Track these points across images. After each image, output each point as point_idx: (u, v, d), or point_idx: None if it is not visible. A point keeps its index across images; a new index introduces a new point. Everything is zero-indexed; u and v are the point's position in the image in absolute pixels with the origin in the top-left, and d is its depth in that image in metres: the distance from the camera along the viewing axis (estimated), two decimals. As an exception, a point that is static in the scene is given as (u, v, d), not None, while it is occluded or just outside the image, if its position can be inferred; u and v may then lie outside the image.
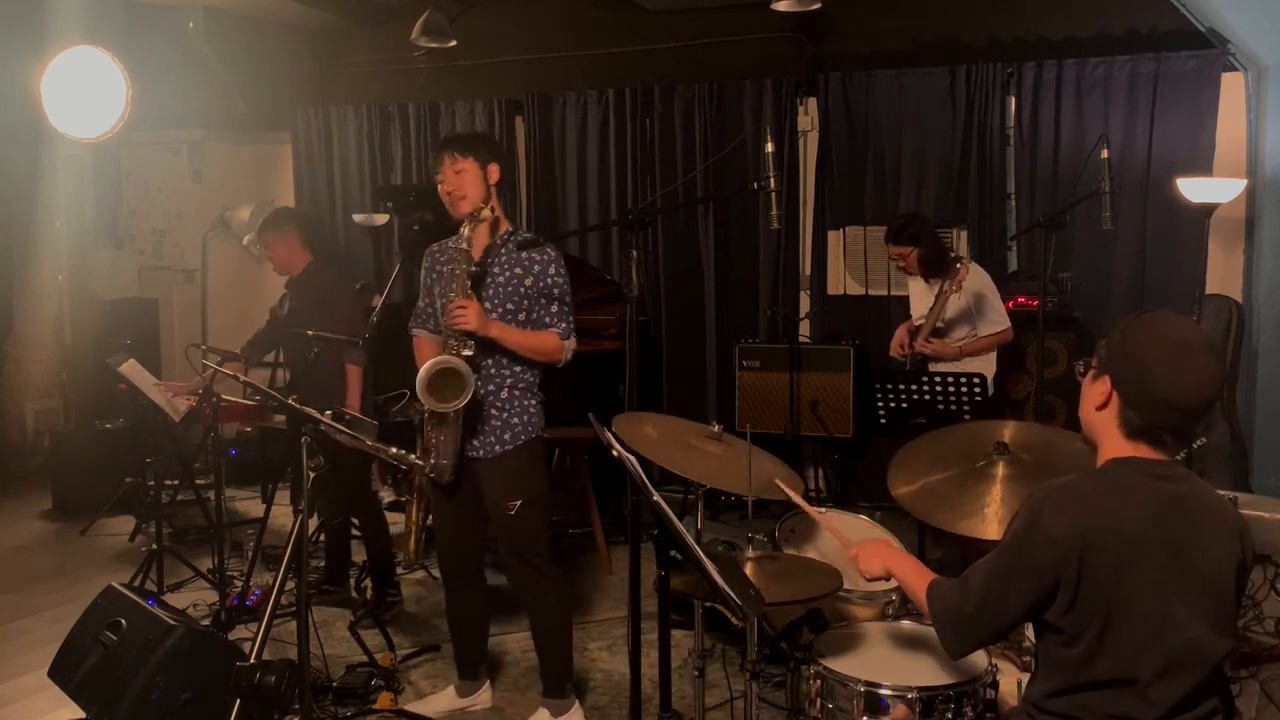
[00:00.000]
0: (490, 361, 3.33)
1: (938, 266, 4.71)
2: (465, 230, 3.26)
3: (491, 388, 3.34)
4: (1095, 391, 1.94)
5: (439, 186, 3.36)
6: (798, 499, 2.76)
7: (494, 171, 3.34)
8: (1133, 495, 1.87)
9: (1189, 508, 1.88)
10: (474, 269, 3.29)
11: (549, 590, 3.47)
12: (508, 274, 3.33)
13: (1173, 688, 1.84)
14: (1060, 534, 1.84)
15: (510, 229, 3.40)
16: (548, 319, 3.33)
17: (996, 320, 4.67)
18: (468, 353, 3.26)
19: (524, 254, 3.32)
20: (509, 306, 3.32)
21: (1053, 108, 5.83)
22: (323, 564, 4.84)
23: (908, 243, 4.71)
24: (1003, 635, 2.02)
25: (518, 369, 3.36)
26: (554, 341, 3.33)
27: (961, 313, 4.68)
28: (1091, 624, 1.84)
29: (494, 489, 3.37)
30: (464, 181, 3.31)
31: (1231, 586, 1.89)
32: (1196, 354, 1.85)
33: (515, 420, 3.36)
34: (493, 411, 3.34)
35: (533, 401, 3.40)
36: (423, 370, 3.15)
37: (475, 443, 3.35)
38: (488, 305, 3.30)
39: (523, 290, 3.31)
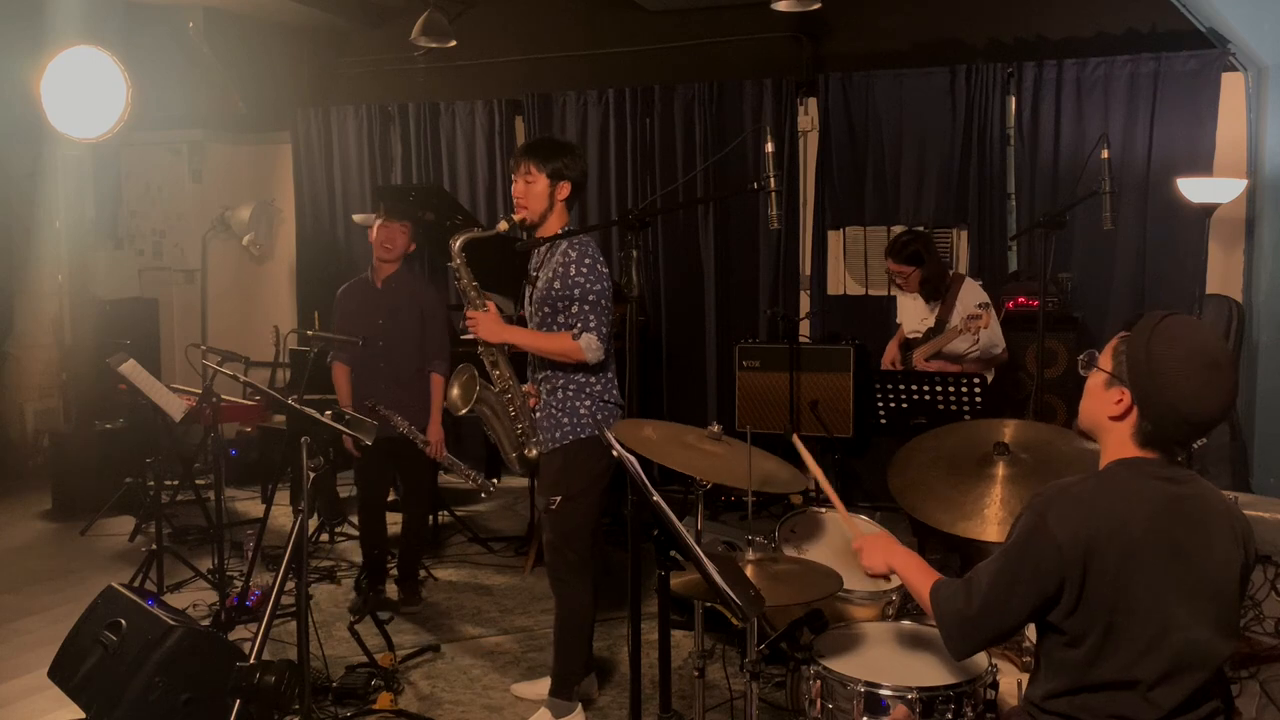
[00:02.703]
0: (544, 365, 3.48)
1: (938, 287, 4.69)
2: (455, 242, 3.40)
3: (549, 388, 3.47)
4: (1109, 401, 1.91)
5: (513, 184, 3.47)
6: (817, 472, 2.73)
7: (563, 189, 3.41)
8: (1137, 498, 1.86)
9: (1192, 510, 1.88)
10: (531, 274, 3.49)
11: (577, 588, 3.51)
12: (544, 278, 3.42)
13: (1175, 689, 1.84)
14: (1065, 537, 1.83)
15: (559, 232, 3.41)
16: (568, 320, 3.37)
17: (996, 343, 4.67)
18: (493, 358, 3.47)
19: (555, 258, 3.39)
20: (545, 310, 3.41)
21: (1053, 108, 5.83)
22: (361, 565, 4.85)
23: (909, 262, 4.68)
24: (1006, 637, 2.02)
25: (562, 371, 3.44)
26: (566, 342, 3.35)
27: (968, 351, 4.63)
28: (1095, 626, 1.84)
29: (542, 484, 3.54)
30: (530, 193, 3.41)
31: (1234, 588, 1.88)
32: (1221, 371, 1.84)
33: (565, 420, 3.44)
34: (552, 411, 3.46)
35: (586, 402, 3.43)
36: (453, 379, 3.48)
37: (541, 438, 3.49)
38: (533, 309, 3.46)
39: (553, 293, 3.37)
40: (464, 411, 3.49)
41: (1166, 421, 1.86)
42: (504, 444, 3.55)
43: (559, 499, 3.44)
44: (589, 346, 3.34)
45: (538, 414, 3.50)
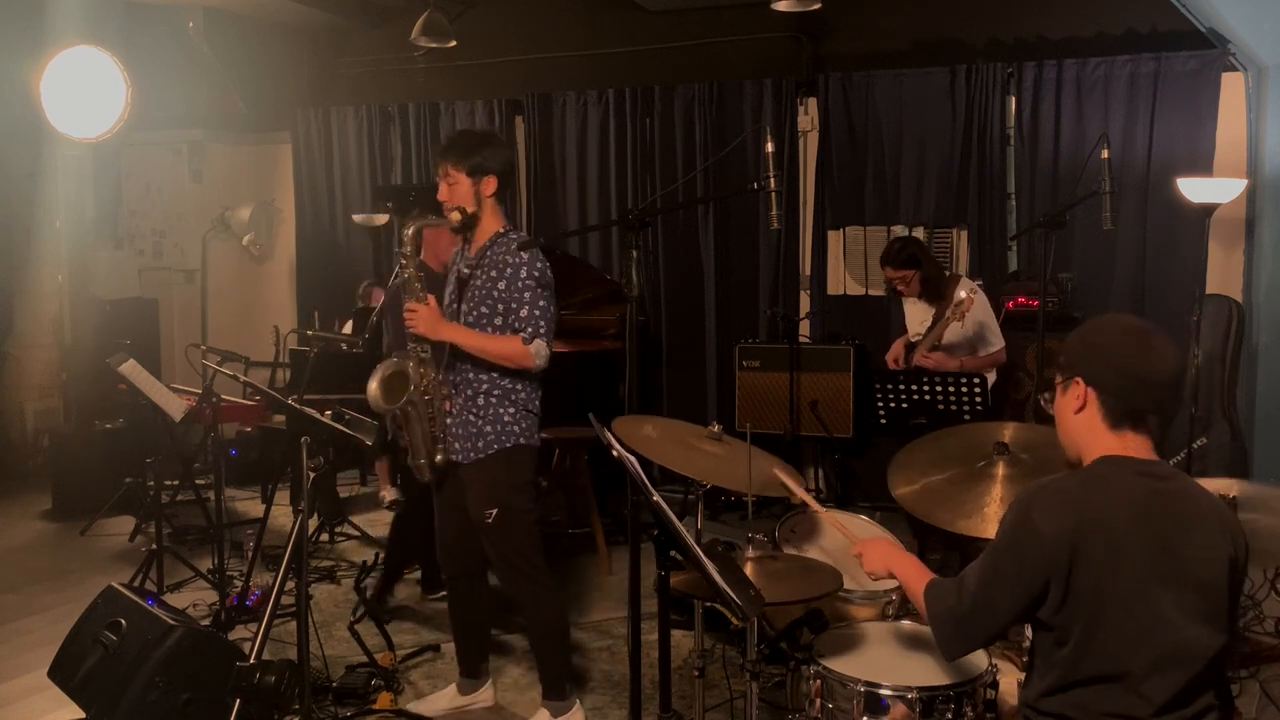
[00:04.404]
0: (466, 367, 3.32)
1: (938, 287, 4.72)
2: (408, 230, 3.28)
3: (469, 393, 3.32)
4: (1070, 398, 1.97)
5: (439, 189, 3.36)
6: (802, 493, 2.75)
7: (489, 184, 3.28)
8: (1120, 492, 1.88)
9: (1176, 504, 1.88)
10: (464, 272, 3.34)
11: (541, 595, 3.43)
12: (484, 277, 3.29)
13: (1165, 683, 1.84)
14: (1050, 531, 1.85)
15: (502, 230, 3.32)
16: (517, 323, 3.23)
17: (993, 341, 4.68)
18: (424, 355, 3.30)
19: (501, 257, 3.26)
20: (483, 310, 3.28)
21: (1053, 108, 5.84)
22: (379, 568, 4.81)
23: (907, 265, 4.70)
24: (997, 636, 2.03)
25: (490, 375, 3.29)
26: (515, 346, 3.21)
27: (962, 339, 4.66)
28: (1081, 619, 1.85)
29: (472, 496, 3.36)
30: (454, 194, 3.30)
31: (1223, 581, 1.88)
32: (1153, 335, 1.92)
33: (488, 428, 3.29)
34: (469, 417, 3.32)
35: (510, 409, 3.30)
36: (375, 372, 3.27)
37: (457, 446, 3.35)
38: (466, 308, 3.30)
39: (496, 294, 3.25)
40: (386, 410, 3.32)
41: (1121, 388, 1.91)
42: (419, 447, 3.34)
43: (495, 512, 3.29)
44: (539, 353, 3.21)
45: (449, 417, 3.35)
